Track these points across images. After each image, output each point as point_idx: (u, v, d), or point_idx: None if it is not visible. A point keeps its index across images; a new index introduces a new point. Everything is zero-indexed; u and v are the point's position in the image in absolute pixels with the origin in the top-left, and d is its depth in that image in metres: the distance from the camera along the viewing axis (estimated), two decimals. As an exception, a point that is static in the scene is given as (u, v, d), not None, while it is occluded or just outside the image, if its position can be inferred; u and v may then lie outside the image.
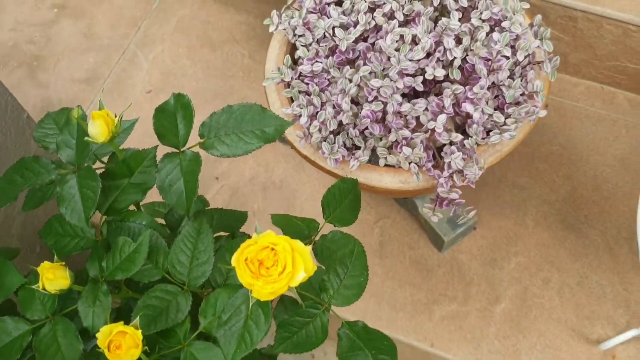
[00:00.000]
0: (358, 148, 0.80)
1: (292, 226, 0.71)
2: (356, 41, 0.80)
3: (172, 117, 0.65)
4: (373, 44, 0.79)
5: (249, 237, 0.74)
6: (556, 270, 1.01)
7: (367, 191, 0.84)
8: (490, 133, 0.77)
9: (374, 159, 0.81)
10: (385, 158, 0.78)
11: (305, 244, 0.72)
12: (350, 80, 0.76)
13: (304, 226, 0.72)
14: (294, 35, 0.83)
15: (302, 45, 0.82)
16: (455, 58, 0.75)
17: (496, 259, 1.02)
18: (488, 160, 0.79)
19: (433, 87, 0.81)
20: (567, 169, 1.08)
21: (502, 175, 1.08)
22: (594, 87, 1.15)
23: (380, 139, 0.78)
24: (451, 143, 0.77)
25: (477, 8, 0.80)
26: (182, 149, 0.64)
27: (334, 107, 0.77)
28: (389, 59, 0.75)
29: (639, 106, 1.13)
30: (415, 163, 0.75)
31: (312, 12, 0.82)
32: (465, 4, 0.79)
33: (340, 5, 0.83)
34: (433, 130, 0.75)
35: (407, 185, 0.80)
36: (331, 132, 0.79)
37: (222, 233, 0.75)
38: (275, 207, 1.09)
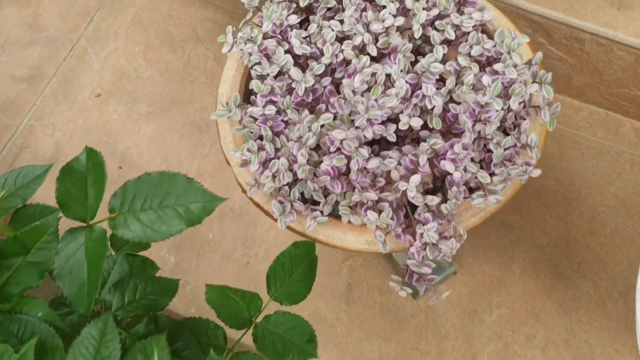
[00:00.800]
0: (318, 202, 0.68)
1: (229, 305, 0.60)
2: (321, 74, 0.67)
3: (81, 180, 0.53)
4: (340, 82, 0.66)
5: (172, 320, 0.62)
6: (542, 325, 0.90)
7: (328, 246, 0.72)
8: (473, 195, 0.65)
9: (336, 210, 0.69)
10: (349, 217, 0.66)
11: (244, 328, 0.62)
12: (310, 128, 0.63)
13: (243, 305, 0.61)
14: (250, 60, 0.70)
15: (257, 76, 0.69)
16: (435, 107, 0.62)
17: (477, 310, 0.91)
18: (470, 222, 0.68)
19: (410, 133, 0.68)
20: (561, 209, 0.96)
21: (488, 211, 0.97)
22: (598, 113, 1.03)
23: (344, 196, 0.66)
24: (426, 205, 0.65)
25: (466, 40, 0.67)
26: (90, 222, 0.52)
27: (288, 156, 0.65)
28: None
29: (646, 138, 1.01)
30: (381, 230, 0.64)
31: (271, 37, 0.68)
32: (452, 36, 0.66)
33: (306, 29, 0.69)
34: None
35: (374, 247, 0.68)
36: (286, 183, 0.67)
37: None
38: (233, 237, 0.98)
